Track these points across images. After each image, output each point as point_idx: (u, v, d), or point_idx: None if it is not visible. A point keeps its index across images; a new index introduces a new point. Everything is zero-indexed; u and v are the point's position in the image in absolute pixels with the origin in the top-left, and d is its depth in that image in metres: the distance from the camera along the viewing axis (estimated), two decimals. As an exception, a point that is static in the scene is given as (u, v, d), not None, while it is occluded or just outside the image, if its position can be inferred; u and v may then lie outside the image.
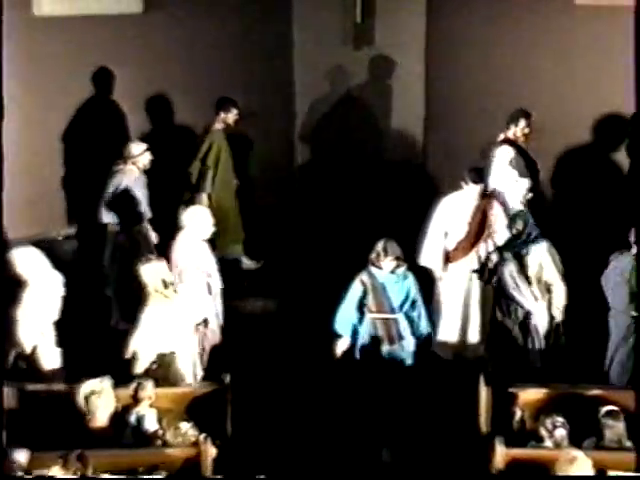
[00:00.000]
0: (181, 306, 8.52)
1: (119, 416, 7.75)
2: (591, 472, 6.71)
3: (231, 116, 10.90)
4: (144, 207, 10.12)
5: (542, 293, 8.87)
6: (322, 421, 8.65)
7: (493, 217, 9.48)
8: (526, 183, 10.08)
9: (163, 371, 8.40)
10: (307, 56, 12.66)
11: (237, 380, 8.44)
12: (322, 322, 9.07)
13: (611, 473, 7.09)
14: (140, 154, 10.11)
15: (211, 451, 7.51)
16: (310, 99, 12.86)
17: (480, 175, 9.48)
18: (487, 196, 9.56)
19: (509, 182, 10.06)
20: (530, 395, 7.99)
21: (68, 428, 7.56)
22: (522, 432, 7.80)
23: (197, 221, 9.19)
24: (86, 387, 7.64)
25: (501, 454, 7.29)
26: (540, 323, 8.84)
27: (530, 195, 10.08)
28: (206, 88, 11.79)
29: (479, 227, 9.42)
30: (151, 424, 7.78)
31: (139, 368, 8.39)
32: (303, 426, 8.64)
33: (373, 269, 8.62)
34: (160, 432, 7.74)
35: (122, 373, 8.22)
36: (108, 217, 10.06)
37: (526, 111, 10.28)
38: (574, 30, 11.63)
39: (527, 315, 8.88)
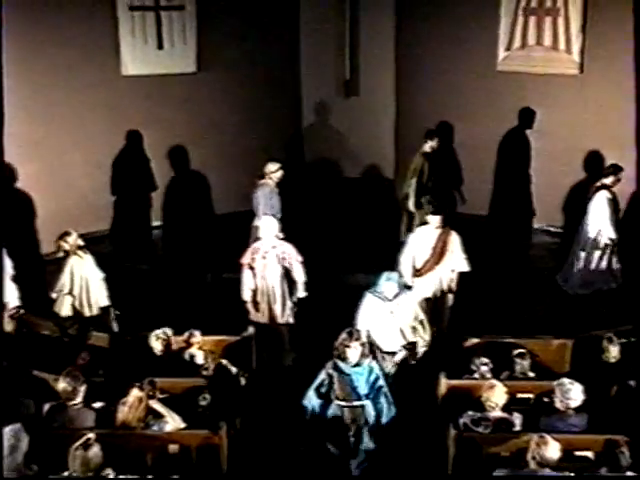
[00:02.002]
0: (90, 264, 9.02)
1: (177, 355, 8.30)
2: (505, 396, 7.31)
3: (435, 143, 11.29)
4: (278, 210, 10.48)
5: (408, 334, 8.72)
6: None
7: (451, 243, 9.65)
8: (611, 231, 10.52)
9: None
10: (311, 104, 13.76)
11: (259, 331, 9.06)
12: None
13: (519, 396, 7.75)
14: (275, 171, 10.54)
15: (242, 381, 8.16)
16: (314, 136, 13.78)
17: (438, 207, 9.64)
18: (446, 227, 9.63)
19: (602, 221, 10.52)
20: (465, 343, 8.67)
21: (143, 363, 8.14)
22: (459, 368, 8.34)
23: (264, 230, 9.28)
24: (154, 334, 8.21)
25: (444, 384, 8.08)
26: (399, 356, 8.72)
27: (615, 236, 10.53)
28: (234, 133, 13.03)
29: (441, 251, 9.60)
30: (200, 361, 8.33)
31: (64, 309, 8.89)
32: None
33: (339, 362, 7.88)
34: (206, 366, 8.29)
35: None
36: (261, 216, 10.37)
37: (620, 165, 10.53)
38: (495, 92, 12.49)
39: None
